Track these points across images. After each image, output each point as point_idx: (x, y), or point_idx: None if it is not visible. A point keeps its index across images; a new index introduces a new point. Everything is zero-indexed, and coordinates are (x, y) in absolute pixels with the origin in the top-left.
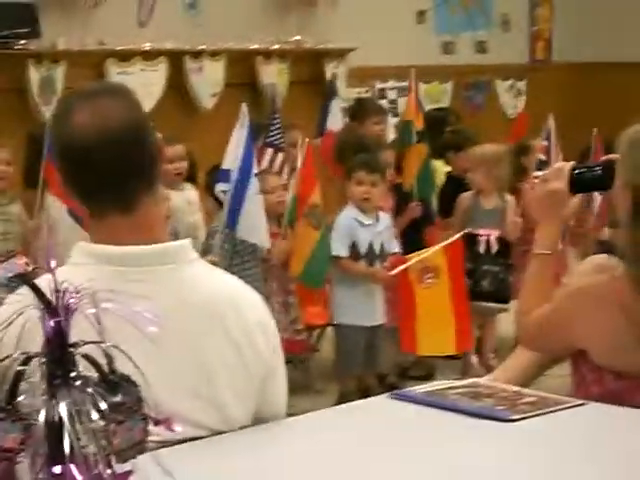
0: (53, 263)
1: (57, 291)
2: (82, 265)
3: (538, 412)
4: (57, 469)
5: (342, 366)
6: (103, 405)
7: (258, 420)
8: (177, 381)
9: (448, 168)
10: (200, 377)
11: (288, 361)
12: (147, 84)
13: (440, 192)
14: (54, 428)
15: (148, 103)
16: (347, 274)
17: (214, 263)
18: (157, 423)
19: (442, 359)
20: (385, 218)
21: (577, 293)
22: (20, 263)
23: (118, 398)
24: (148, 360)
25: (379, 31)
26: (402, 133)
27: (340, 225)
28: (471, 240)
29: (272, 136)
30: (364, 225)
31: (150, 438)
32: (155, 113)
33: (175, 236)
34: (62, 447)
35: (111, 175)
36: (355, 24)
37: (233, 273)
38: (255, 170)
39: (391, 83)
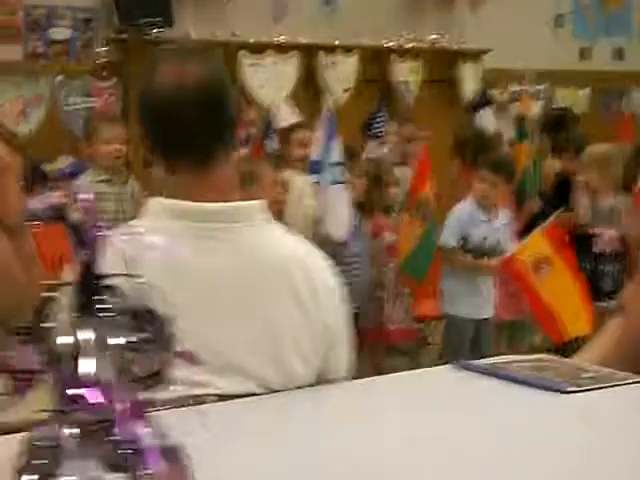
0: (85, 195)
1: (88, 223)
2: (153, 219)
3: (595, 385)
4: (75, 392)
5: (449, 356)
6: (125, 334)
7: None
8: (241, 336)
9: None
10: (265, 334)
11: (402, 352)
12: (279, 77)
13: (549, 191)
14: (74, 353)
15: (279, 96)
16: (453, 265)
17: None
18: (179, 355)
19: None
20: (504, 215)
21: None
22: (56, 195)
23: (144, 329)
24: (210, 314)
25: (516, 33)
26: (517, 128)
27: (454, 217)
28: (588, 240)
29: (376, 128)
30: (480, 220)
31: (210, 391)
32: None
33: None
34: (82, 372)
35: (186, 133)
36: (492, 26)
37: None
38: (335, 160)
39: (526, 87)
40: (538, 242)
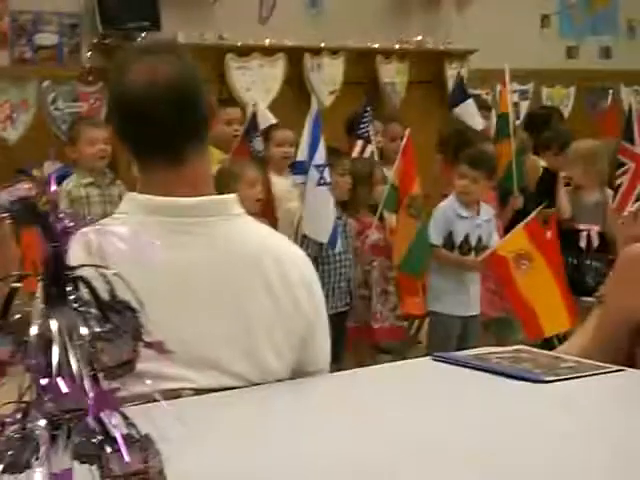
0: (53, 187)
1: (56, 214)
2: (128, 215)
3: (573, 375)
4: (44, 382)
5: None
6: (94, 324)
7: (298, 377)
8: (215, 330)
9: (544, 164)
10: (239, 327)
11: (387, 352)
12: (265, 80)
13: (536, 186)
14: (44, 343)
15: (266, 98)
16: (439, 262)
17: None
18: (148, 346)
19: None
20: (487, 211)
21: (627, 258)
22: (24, 187)
23: (112, 319)
24: (184, 308)
25: (502, 34)
26: (497, 126)
27: (438, 214)
28: (572, 235)
29: (362, 129)
30: (462, 217)
31: (185, 385)
32: (272, 109)
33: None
34: (51, 362)
35: (159, 130)
36: (478, 26)
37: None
38: (321, 162)
39: (513, 86)
40: (518, 238)
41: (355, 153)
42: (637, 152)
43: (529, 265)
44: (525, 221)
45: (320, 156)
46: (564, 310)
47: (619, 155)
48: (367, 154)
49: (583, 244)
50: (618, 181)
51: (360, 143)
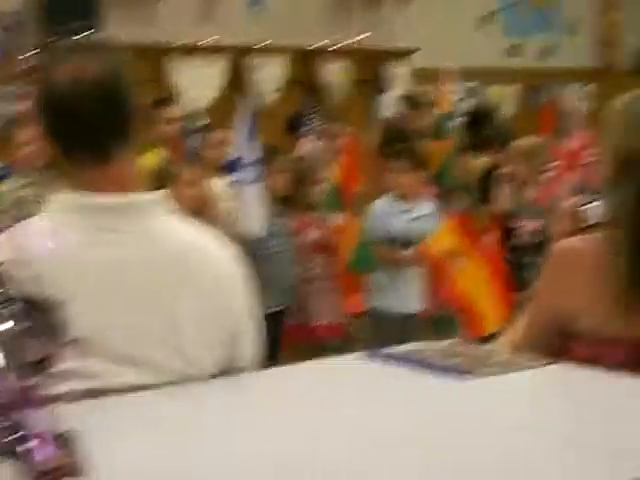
0: None
1: None
2: (54, 213)
3: (505, 369)
4: None
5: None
6: (14, 321)
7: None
8: (143, 328)
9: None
10: (167, 324)
11: (329, 349)
12: (207, 79)
13: (478, 183)
14: None
15: (207, 97)
16: (379, 258)
17: None
18: (67, 344)
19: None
20: (427, 205)
21: (557, 254)
22: None
23: (33, 317)
24: (110, 306)
25: (445, 32)
26: (437, 124)
27: (374, 211)
28: (513, 231)
29: (307, 126)
30: (398, 212)
31: (115, 383)
32: (214, 108)
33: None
34: None
35: (85, 127)
36: (420, 24)
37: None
38: (254, 158)
39: (455, 84)
40: (450, 233)
41: (301, 151)
42: (566, 149)
43: (464, 261)
44: (456, 216)
45: (254, 153)
46: (502, 307)
47: (550, 152)
48: (314, 152)
49: (524, 240)
50: (543, 176)
51: (306, 141)
